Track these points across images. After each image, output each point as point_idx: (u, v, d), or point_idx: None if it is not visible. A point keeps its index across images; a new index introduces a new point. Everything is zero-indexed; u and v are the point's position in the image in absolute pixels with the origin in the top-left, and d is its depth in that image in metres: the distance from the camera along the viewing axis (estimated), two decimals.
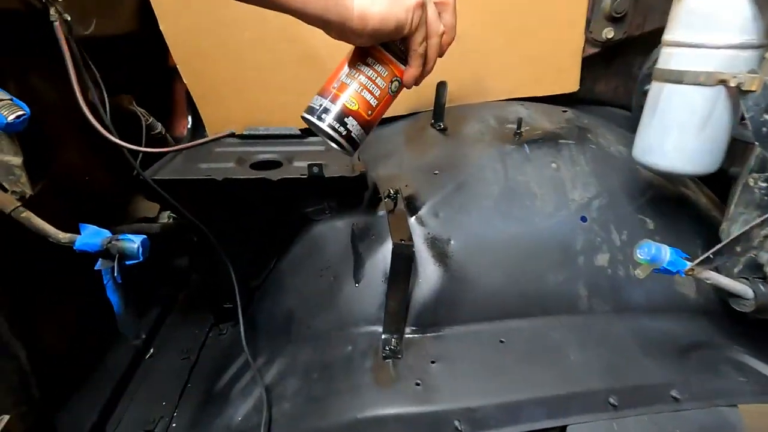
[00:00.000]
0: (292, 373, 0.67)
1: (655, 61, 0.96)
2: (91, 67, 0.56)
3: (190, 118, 0.88)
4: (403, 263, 0.60)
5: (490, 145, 0.76)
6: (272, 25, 0.79)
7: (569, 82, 0.96)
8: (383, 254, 0.69)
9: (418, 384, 0.58)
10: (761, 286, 0.54)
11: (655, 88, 0.59)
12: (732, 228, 0.59)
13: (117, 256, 0.40)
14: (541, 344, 0.64)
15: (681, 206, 0.76)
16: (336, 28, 0.41)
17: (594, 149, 0.78)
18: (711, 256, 0.52)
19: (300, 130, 0.91)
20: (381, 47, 0.46)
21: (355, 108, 0.46)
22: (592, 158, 0.76)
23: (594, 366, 0.61)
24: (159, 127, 0.81)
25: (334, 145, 0.48)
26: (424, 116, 0.88)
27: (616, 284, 0.70)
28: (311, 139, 0.91)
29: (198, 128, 0.89)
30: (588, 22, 0.90)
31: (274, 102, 0.85)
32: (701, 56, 0.52)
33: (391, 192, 0.73)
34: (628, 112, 1.06)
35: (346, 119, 0.46)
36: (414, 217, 0.70)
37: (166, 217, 0.83)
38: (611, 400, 0.56)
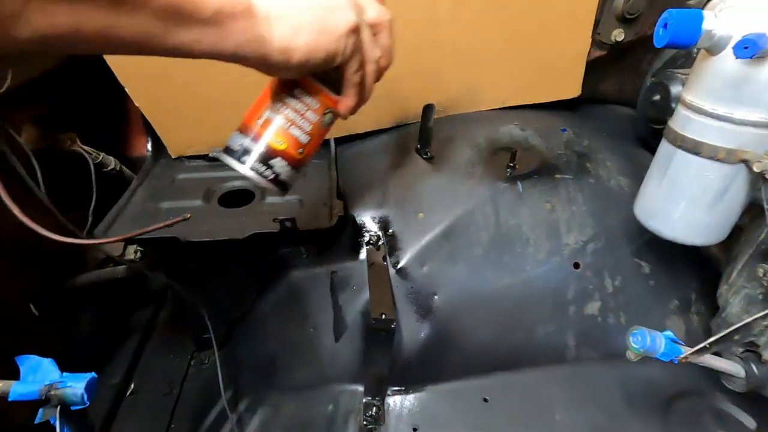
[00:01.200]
0: (275, 427, 0.66)
1: (666, 63, 0.87)
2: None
3: (149, 139, 0.79)
4: (384, 337, 0.56)
5: (481, 182, 0.70)
6: None
7: (571, 88, 0.87)
8: (364, 308, 0.66)
9: None
10: (753, 366, 0.52)
11: (666, 148, 0.52)
12: (731, 299, 0.56)
13: (59, 406, 0.36)
14: (528, 402, 0.64)
15: (677, 246, 0.72)
16: (256, 65, 0.35)
17: (592, 184, 0.72)
18: (707, 345, 0.49)
19: None
20: (309, 76, 0.40)
21: (282, 147, 0.40)
22: (590, 196, 0.71)
23: (580, 429, 0.61)
24: (112, 163, 0.72)
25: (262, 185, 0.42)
26: (411, 135, 0.79)
27: (605, 332, 0.68)
28: None
29: (160, 148, 0.80)
30: (596, 23, 0.79)
31: (240, 119, 0.76)
32: (724, 130, 0.45)
33: (373, 239, 0.68)
34: (633, 109, 0.98)
35: (271, 161, 0.41)
36: (397, 269, 0.66)
37: (133, 252, 0.77)
38: None
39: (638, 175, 0.74)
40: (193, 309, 0.70)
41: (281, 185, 0.42)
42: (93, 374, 0.39)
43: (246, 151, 0.40)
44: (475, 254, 0.66)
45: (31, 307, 0.64)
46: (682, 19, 0.43)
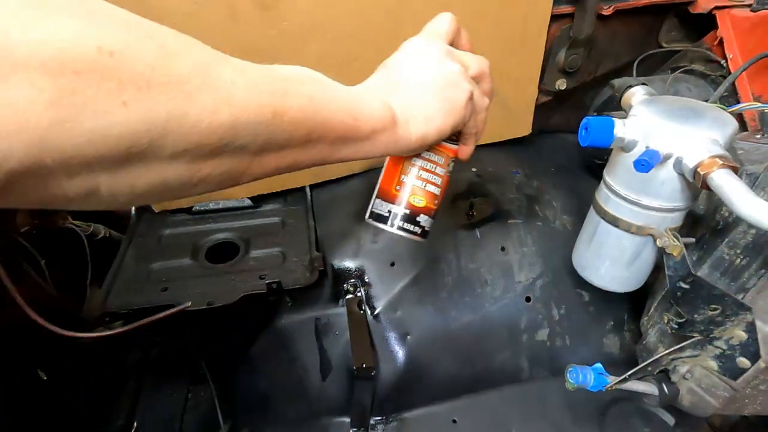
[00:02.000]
0: None
1: (605, 102, 0.97)
2: None
3: None
4: (366, 384, 0.65)
5: (444, 230, 0.79)
6: None
7: (522, 128, 0.96)
8: (346, 349, 0.75)
9: None
10: (665, 387, 0.64)
11: (593, 216, 0.62)
12: (650, 329, 0.68)
13: None
14: (490, 419, 0.75)
15: None
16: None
17: (540, 226, 0.82)
18: (627, 377, 0.61)
19: (249, 198, 0.89)
20: None
21: (423, 205, 0.46)
22: (538, 237, 0.81)
23: None
24: (102, 231, 0.76)
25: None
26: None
27: (553, 354, 0.80)
28: (264, 208, 0.89)
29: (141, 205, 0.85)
30: (542, 75, 0.88)
31: None
32: (634, 211, 0.55)
33: (351, 287, 0.76)
34: None
35: (417, 218, 0.47)
36: (374, 315, 0.75)
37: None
38: None
39: (579, 212, 0.85)
40: (186, 351, 0.77)
41: (425, 234, 0.49)
42: None
43: (394, 215, 0.46)
44: (441, 297, 0.76)
45: (39, 372, 0.69)
46: (598, 126, 0.52)
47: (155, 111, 0.22)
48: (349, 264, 0.78)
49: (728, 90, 0.81)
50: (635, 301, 0.83)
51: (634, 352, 0.85)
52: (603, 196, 0.60)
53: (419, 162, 0.45)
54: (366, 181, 0.91)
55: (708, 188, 0.46)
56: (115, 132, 0.21)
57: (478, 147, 1.00)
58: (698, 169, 0.46)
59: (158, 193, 0.26)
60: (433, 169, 0.46)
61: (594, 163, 0.98)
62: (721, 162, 0.45)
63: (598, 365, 0.63)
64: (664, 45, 0.92)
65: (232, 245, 0.82)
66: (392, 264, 0.77)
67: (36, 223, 0.67)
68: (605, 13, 0.81)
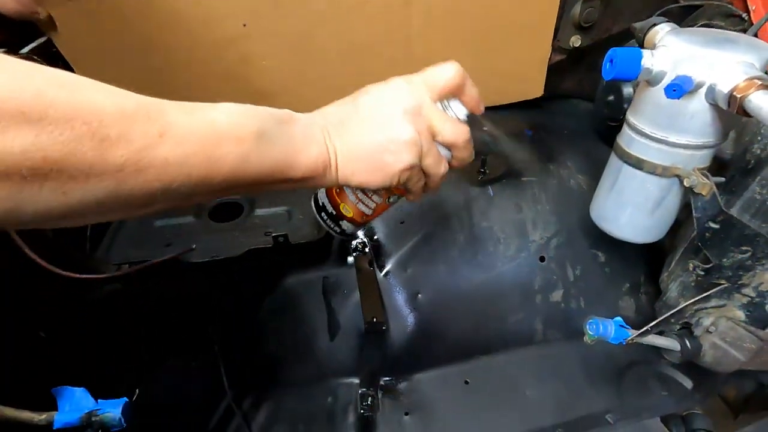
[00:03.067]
0: (280, 421, 0.73)
1: None
2: None
3: None
4: (376, 337, 0.63)
5: (455, 188, 0.76)
6: (215, 67, 0.70)
7: (534, 89, 0.93)
8: (355, 309, 0.72)
9: None
10: (687, 342, 0.62)
11: (615, 162, 0.60)
12: (670, 285, 0.65)
13: (100, 430, 0.41)
14: (503, 382, 0.73)
15: None
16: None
17: (555, 184, 0.79)
18: (649, 329, 0.59)
19: None
20: None
21: (349, 215, 0.48)
22: (553, 195, 0.78)
23: (547, 403, 0.70)
24: None
25: None
26: None
27: (568, 315, 0.77)
28: None
29: None
30: (556, 30, 0.85)
31: None
32: (661, 150, 0.53)
33: (359, 246, 0.74)
34: (592, 103, 1.06)
35: (341, 222, 0.49)
36: (383, 273, 0.72)
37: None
38: None
39: (595, 173, 0.82)
40: (191, 320, 0.75)
41: (345, 235, 0.51)
42: (125, 399, 0.44)
43: (324, 209, 0.49)
44: (453, 255, 0.74)
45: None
46: (625, 57, 0.49)
47: (92, 195, 0.25)
48: None
49: None
50: (652, 264, 0.80)
51: (650, 315, 0.82)
52: (626, 139, 0.57)
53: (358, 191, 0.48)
54: None
55: (745, 113, 0.43)
56: (55, 213, 0.25)
57: (488, 108, 0.98)
58: (734, 93, 0.43)
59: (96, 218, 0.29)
60: (369, 195, 0.47)
61: (608, 127, 0.95)
62: (760, 83, 0.42)
63: (619, 318, 0.61)
64: (682, 1, 0.89)
65: (236, 205, 0.79)
66: (402, 222, 0.75)
67: None
68: None
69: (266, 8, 0.68)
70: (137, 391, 0.85)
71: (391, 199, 0.49)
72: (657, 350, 0.78)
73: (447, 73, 0.42)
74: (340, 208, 0.48)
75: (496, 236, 0.75)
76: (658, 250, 0.82)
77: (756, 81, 0.42)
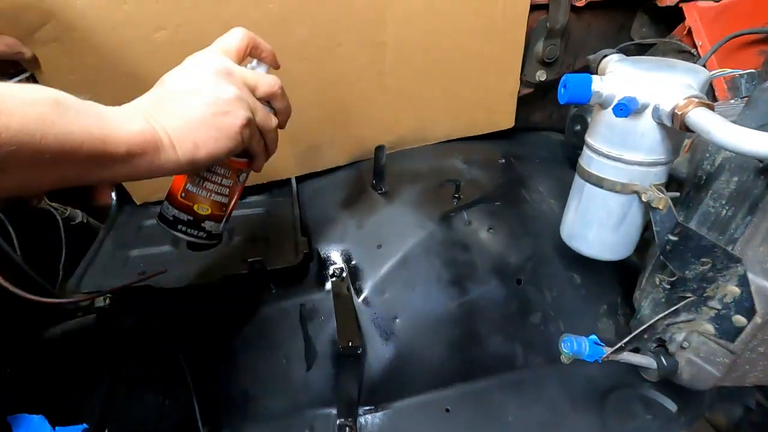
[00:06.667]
0: None
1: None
2: None
3: (114, 187, 0.81)
4: (351, 362, 0.62)
5: (431, 213, 0.78)
6: None
7: (505, 121, 0.98)
8: (332, 336, 0.71)
9: None
10: (663, 359, 0.62)
11: (578, 182, 0.62)
12: (642, 302, 0.66)
13: None
14: (484, 408, 0.71)
15: None
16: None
17: (527, 209, 0.82)
18: (623, 345, 0.59)
19: None
20: None
21: (207, 213, 0.47)
22: (527, 219, 0.80)
23: (530, 428, 0.69)
24: (79, 216, 0.74)
25: None
26: (366, 171, 0.87)
27: (547, 339, 0.77)
28: (248, 200, 0.88)
29: (124, 195, 0.83)
30: (522, 66, 0.90)
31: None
32: (618, 168, 0.55)
33: (336, 271, 0.74)
34: (561, 134, 1.11)
35: (203, 224, 0.48)
36: (360, 298, 0.72)
37: (102, 300, 0.78)
38: None
39: (566, 197, 0.85)
40: (165, 350, 0.73)
41: (212, 237, 0.50)
42: (84, 425, 0.42)
43: (179, 220, 0.46)
44: (430, 278, 0.74)
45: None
46: (576, 82, 0.53)
47: None
48: (335, 248, 0.77)
49: None
50: (627, 285, 0.81)
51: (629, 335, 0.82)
52: (586, 159, 0.60)
53: (206, 174, 0.46)
54: (353, 172, 0.91)
55: (687, 129, 0.46)
56: None
57: (462, 139, 1.01)
58: (675, 111, 0.46)
59: None
60: (218, 181, 0.46)
61: (577, 155, 0.99)
62: (697, 101, 0.45)
63: (593, 336, 0.61)
64: (636, 39, 0.96)
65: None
66: (379, 246, 0.76)
67: (12, 202, 0.65)
68: (578, 4, 0.85)
69: None
70: (106, 430, 0.81)
71: (241, 177, 0.48)
72: (638, 373, 0.78)
73: (236, 35, 0.43)
74: (194, 209, 0.46)
75: (472, 260, 0.76)
76: (633, 272, 0.83)
77: (694, 99, 0.46)
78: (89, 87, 0.64)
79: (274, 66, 0.48)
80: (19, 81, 0.62)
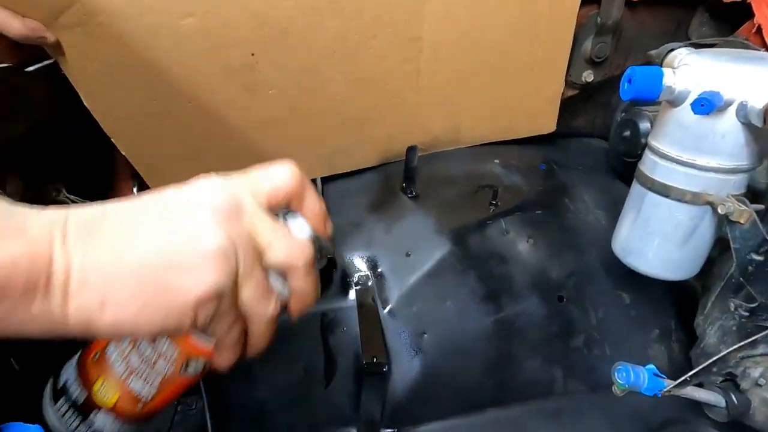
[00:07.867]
0: None
1: (628, 105, 0.92)
2: None
3: (136, 185, 0.79)
4: (375, 381, 0.57)
5: (465, 220, 0.72)
6: (221, 96, 0.69)
7: (546, 125, 0.91)
8: (355, 350, 0.66)
9: None
10: (733, 396, 0.54)
11: (638, 189, 0.55)
12: (707, 329, 0.58)
13: None
14: None
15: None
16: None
17: (571, 219, 0.75)
18: (688, 378, 0.51)
19: None
20: None
21: (109, 402, 0.30)
22: (570, 230, 0.73)
23: None
24: None
25: None
26: (395, 173, 0.81)
27: (590, 364, 0.70)
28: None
29: (145, 190, 0.81)
30: (568, 66, 0.84)
31: (231, 170, 0.77)
32: (689, 175, 0.48)
33: (362, 279, 0.69)
34: (605, 141, 1.03)
35: (90, 415, 0.30)
36: (386, 310, 0.66)
37: None
38: None
39: (614, 209, 0.78)
40: None
41: None
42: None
43: (64, 392, 0.30)
44: (463, 291, 0.68)
45: (12, 361, 0.62)
46: (645, 76, 0.46)
47: None
48: (361, 254, 0.71)
49: None
50: (684, 306, 0.73)
51: (684, 366, 0.74)
52: (649, 164, 0.53)
53: (139, 340, 0.30)
54: (382, 174, 0.86)
55: None
56: None
57: (500, 142, 0.95)
58: None
59: None
60: (150, 359, 0.30)
61: (624, 163, 0.91)
62: None
63: (651, 366, 0.53)
64: (694, 38, 0.88)
65: None
66: (408, 254, 0.70)
67: (31, 194, 0.63)
68: None
69: (275, 39, 0.69)
70: None
71: (190, 366, 0.31)
72: (694, 408, 0.69)
73: (277, 175, 0.30)
74: (95, 388, 0.30)
75: (509, 272, 0.69)
76: (689, 293, 0.75)
77: None
78: (112, 75, 0.62)
79: (319, 231, 0.33)
80: (41, 68, 0.60)
